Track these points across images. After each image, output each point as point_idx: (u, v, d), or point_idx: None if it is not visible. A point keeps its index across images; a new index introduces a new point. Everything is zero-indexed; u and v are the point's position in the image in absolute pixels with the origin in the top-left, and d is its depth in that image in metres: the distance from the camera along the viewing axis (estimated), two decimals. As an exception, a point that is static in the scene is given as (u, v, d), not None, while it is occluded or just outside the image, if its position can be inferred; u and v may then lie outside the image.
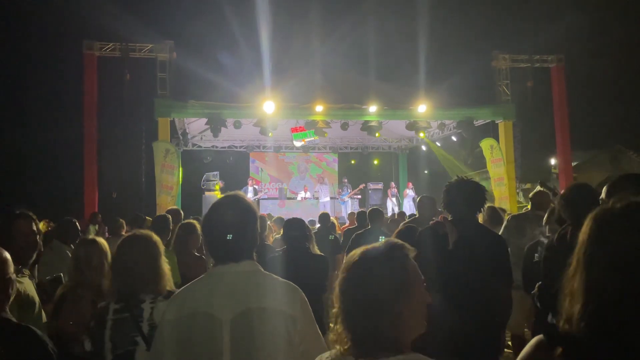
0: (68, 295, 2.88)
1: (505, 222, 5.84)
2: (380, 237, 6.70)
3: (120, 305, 2.34)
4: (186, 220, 5.44)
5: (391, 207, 18.25)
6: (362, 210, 8.94)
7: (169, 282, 2.47)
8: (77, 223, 5.73)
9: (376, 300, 1.42)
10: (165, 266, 2.52)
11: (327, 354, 1.54)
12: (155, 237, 2.57)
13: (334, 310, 1.51)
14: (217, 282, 1.91)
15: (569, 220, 3.34)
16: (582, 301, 1.14)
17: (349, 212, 14.68)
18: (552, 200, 6.01)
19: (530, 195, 6.11)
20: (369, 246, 1.54)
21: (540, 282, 3.36)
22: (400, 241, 1.55)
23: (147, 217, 8.31)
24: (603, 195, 2.07)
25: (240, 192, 2.14)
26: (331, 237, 7.27)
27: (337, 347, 1.50)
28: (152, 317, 2.28)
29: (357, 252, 1.52)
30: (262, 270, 1.97)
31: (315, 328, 1.93)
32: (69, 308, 2.77)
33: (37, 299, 3.05)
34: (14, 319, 2.05)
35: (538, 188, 6.49)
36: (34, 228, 3.07)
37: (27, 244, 3.02)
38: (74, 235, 5.42)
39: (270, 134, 15.04)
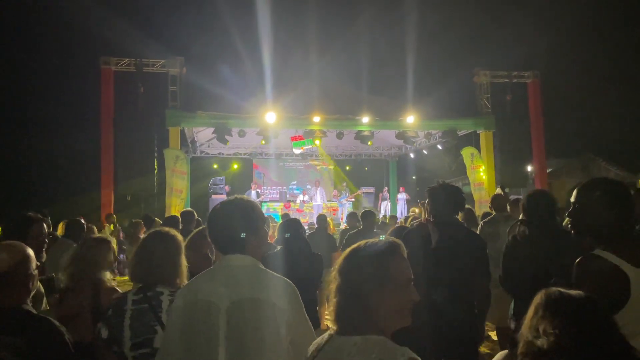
0: (71, 287, 2.86)
1: (479, 229, 5.79)
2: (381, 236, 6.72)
3: (139, 297, 2.31)
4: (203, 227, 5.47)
5: (383, 209, 18.28)
6: (353, 212, 8.87)
7: (185, 278, 2.43)
8: (83, 222, 5.75)
9: (354, 286, 1.45)
10: (184, 263, 2.48)
11: (324, 335, 1.54)
12: (179, 236, 2.54)
13: (331, 287, 1.54)
14: (218, 274, 1.96)
15: (529, 221, 3.37)
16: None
17: (347, 213, 14.64)
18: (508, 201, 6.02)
19: (490, 201, 6.10)
20: (369, 240, 1.55)
21: (500, 274, 3.42)
22: (395, 241, 1.54)
23: (155, 219, 8.32)
24: (572, 198, 2.06)
25: (244, 196, 2.16)
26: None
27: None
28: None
29: (358, 244, 1.55)
30: (260, 265, 1.99)
31: (305, 320, 1.93)
32: (71, 297, 2.77)
33: (43, 291, 3.07)
34: (34, 311, 2.05)
35: (498, 191, 6.52)
36: (45, 229, 3.11)
37: (40, 244, 3.06)
38: (80, 232, 5.44)
39: (262, 142, 15.05)
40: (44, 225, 3.12)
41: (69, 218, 6.05)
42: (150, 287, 2.34)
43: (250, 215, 2.01)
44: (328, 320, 1.82)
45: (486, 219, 5.95)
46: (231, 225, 1.97)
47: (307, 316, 1.96)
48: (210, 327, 1.84)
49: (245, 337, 1.82)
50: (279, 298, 1.88)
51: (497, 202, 5.90)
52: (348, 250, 1.54)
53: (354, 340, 1.42)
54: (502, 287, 4.38)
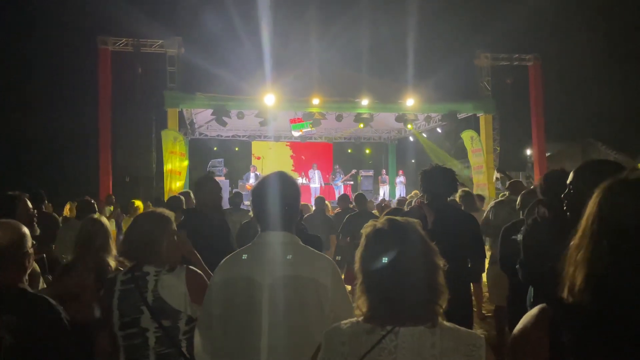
0: (73, 266, 2.89)
1: (488, 208, 5.88)
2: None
3: (127, 277, 2.30)
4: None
5: (382, 192, 18.31)
6: (344, 194, 8.88)
7: (173, 258, 2.38)
8: (93, 202, 5.73)
9: (424, 276, 1.44)
10: (174, 243, 2.41)
11: (346, 322, 1.49)
12: (169, 215, 2.48)
13: (358, 282, 1.48)
14: (259, 250, 1.96)
15: (548, 202, 3.30)
16: (585, 272, 1.04)
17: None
18: (523, 185, 6.05)
19: (508, 186, 6.14)
20: (386, 221, 1.52)
21: (520, 258, 3.35)
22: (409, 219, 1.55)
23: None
24: (568, 180, 2.04)
25: (286, 172, 2.13)
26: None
27: (360, 317, 1.46)
28: (156, 288, 2.24)
29: (379, 223, 1.50)
30: (300, 242, 2.00)
31: (347, 297, 1.94)
32: (73, 275, 2.77)
33: (38, 270, 3.07)
34: (30, 289, 2.04)
35: (497, 175, 6.58)
36: (30, 204, 3.15)
37: (30, 219, 3.07)
38: (91, 213, 5.42)
39: (260, 124, 14.99)
40: (28, 201, 3.21)
41: (79, 199, 6.05)
42: (138, 267, 2.33)
43: (291, 192, 2.03)
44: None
45: (499, 200, 6.02)
46: (273, 202, 1.97)
47: (348, 293, 1.96)
48: (253, 304, 1.86)
49: (287, 314, 1.84)
50: (321, 275, 1.89)
51: (514, 187, 5.89)
52: (378, 235, 1.47)
53: (425, 330, 1.37)
54: (500, 268, 4.40)
